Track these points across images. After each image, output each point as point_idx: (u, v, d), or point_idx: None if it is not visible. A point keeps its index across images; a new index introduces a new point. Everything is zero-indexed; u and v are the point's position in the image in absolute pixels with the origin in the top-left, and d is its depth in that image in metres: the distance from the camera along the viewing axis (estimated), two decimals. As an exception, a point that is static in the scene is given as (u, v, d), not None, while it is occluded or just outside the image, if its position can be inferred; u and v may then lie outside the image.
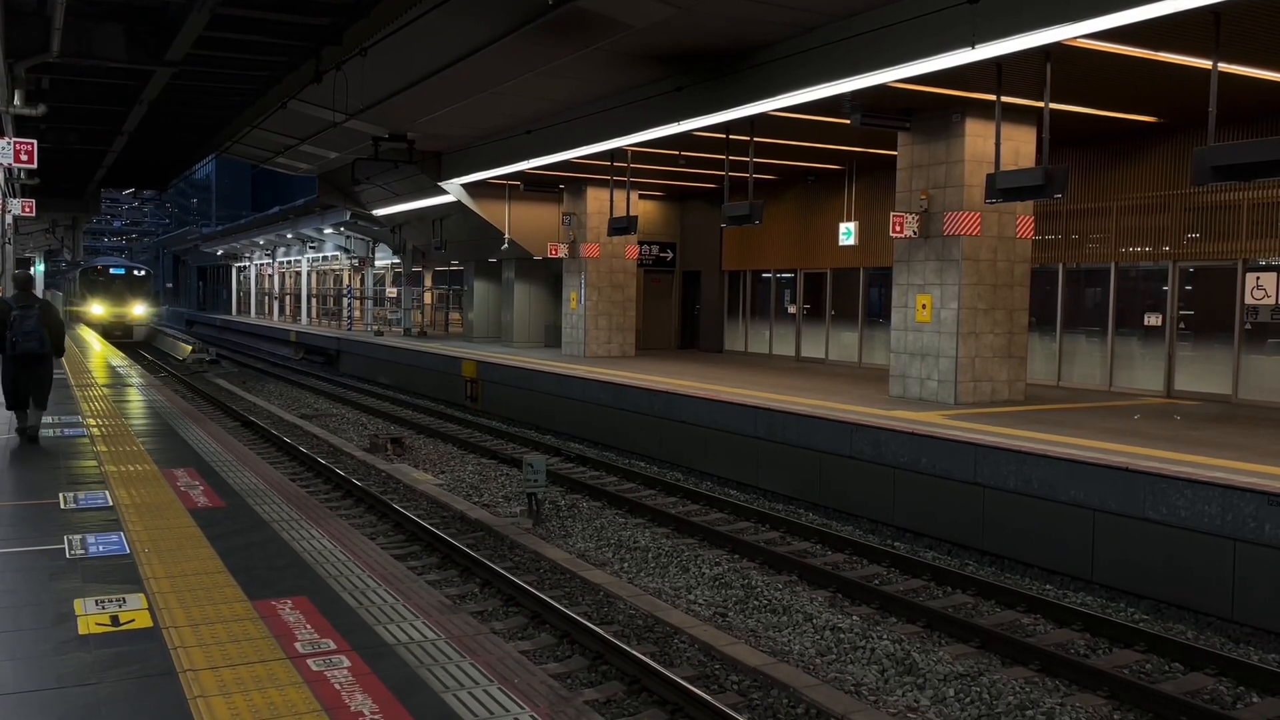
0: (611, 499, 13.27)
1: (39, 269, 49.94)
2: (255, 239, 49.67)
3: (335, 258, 43.34)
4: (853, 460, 12.26)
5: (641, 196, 25.30)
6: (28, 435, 9.92)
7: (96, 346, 28.79)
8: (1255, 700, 7.26)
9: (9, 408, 10.02)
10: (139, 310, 43.95)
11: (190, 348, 38.81)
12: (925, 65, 11.15)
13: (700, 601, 9.30)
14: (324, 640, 4.31)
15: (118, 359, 23.74)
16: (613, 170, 19.91)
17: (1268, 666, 7.59)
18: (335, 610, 4.71)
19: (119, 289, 43.44)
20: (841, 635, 8.35)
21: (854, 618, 8.85)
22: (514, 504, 13.18)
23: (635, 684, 7.16)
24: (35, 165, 14.24)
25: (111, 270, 44.55)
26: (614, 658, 7.51)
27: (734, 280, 25.81)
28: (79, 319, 43.76)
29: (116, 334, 41.30)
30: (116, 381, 15.74)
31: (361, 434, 19.21)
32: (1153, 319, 15.90)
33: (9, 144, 13.80)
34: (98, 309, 42.33)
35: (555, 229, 24.76)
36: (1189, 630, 8.62)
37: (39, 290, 43.72)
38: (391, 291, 40.39)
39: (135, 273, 45.32)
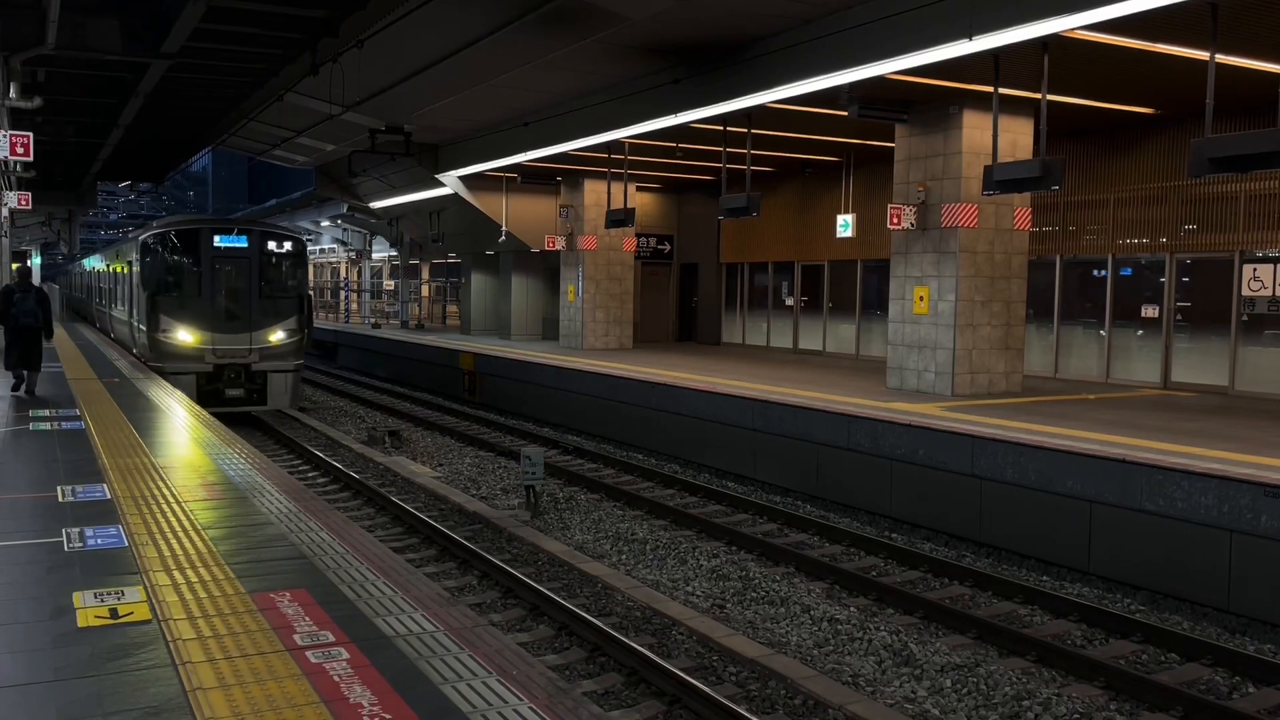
0: (609, 491, 13.28)
1: (35, 262, 49.81)
2: (252, 232, 49.45)
3: (332, 250, 43.31)
4: (850, 452, 12.27)
5: (639, 189, 25.27)
6: (28, 390, 12.63)
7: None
8: (1251, 690, 7.29)
9: (8, 368, 12.89)
10: (280, 334, 18.47)
11: None
12: (923, 57, 11.13)
13: (698, 593, 9.32)
14: (323, 632, 4.31)
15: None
16: (610, 162, 19.87)
17: (1264, 657, 7.62)
18: (334, 602, 4.71)
19: (233, 284, 18.37)
20: (839, 626, 8.37)
21: (851, 609, 8.87)
22: (512, 496, 13.19)
23: (633, 675, 7.18)
24: (31, 158, 14.20)
25: (218, 242, 18.24)
26: (612, 649, 7.52)
27: (731, 272, 25.79)
28: (131, 348, 20.45)
29: (232, 394, 18.04)
30: (113, 376, 15.73)
31: (359, 426, 19.21)
32: (1150, 311, 15.92)
33: (5, 137, 13.75)
34: (184, 334, 17.68)
35: (552, 221, 24.73)
36: (1185, 621, 8.64)
37: (38, 281, 43.88)
38: (389, 284, 40.36)
39: (273, 247, 18.87)
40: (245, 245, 18.14)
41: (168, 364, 17.18)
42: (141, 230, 19.96)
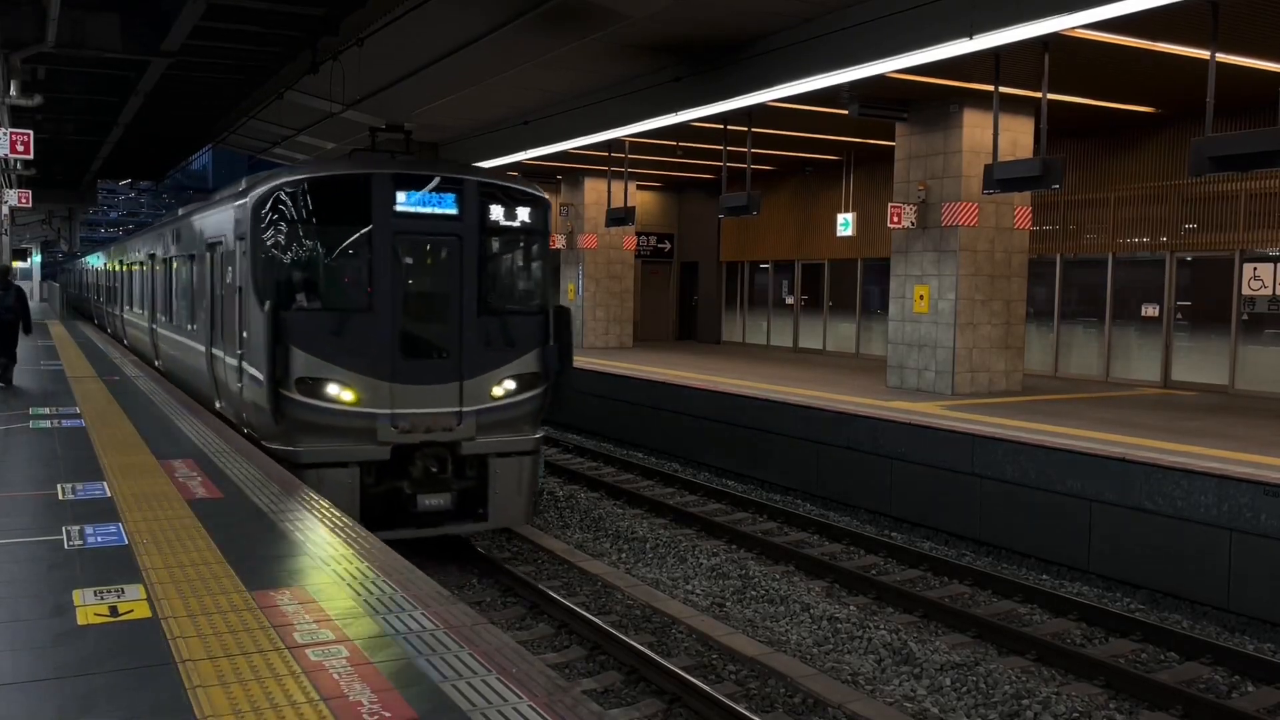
0: (609, 489, 13.28)
1: (35, 260, 49.80)
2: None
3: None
4: (850, 451, 12.27)
5: (639, 188, 25.26)
6: (4, 381, 13.00)
7: None
8: (1250, 689, 7.29)
9: None
10: (512, 383, 9.74)
11: None
12: (923, 55, 11.12)
13: (698, 592, 9.32)
14: (322, 630, 4.31)
15: None
16: (610, 161, 19.87)
17: (1263, 656, 7.63)
18: (334, 600, 4.71)
19: (429, 286, 9.83)
20: (839, 625, 8.37)
21: (851, 608, 8.87)
22: (512, 495, 13.17)
23: (633, 674, 7.18)
24: (31, 156, 14.23)
25: (402, 204, 9.28)
26: (612, 648, 7.52)
27: (731, 271, 25.79)
28: (215, 401, 11.33)
29: (430, 503, 9.27)
30: (113, 373, 15.73)
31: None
32: (1150, 309, 15.91)
33: (5, 135, 13.76)
34: (336, 387, 9.02)
35: (553, 220, 24.72)
36: (1185, 620, 8.65)
37: (38, 279, 44.24)
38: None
39: (499, 217, 9.81)
40: (454, 211, 9.50)
41: (304, 444, 8.96)
42: (247, 184, 10.04)
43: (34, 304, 45.86)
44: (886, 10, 11.29)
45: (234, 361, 10.01)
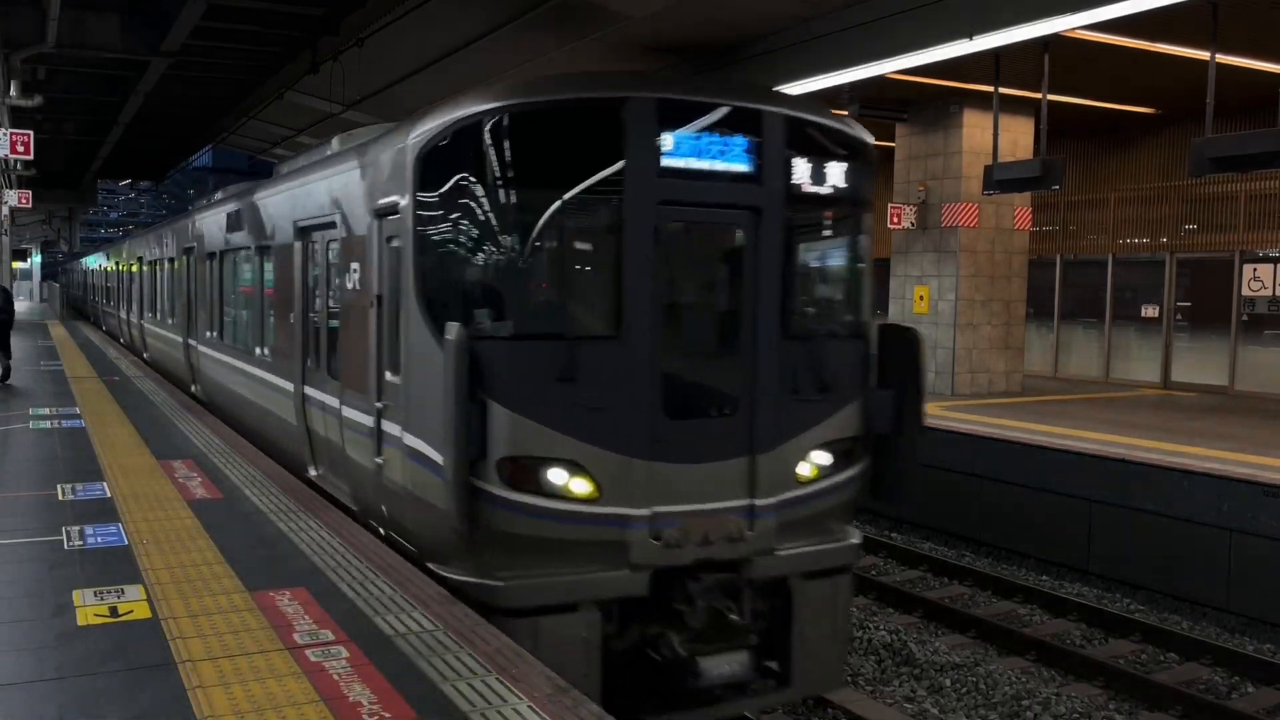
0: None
1: (35, 260, 49.81)
2: (253, 230, 49.04)
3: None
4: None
5: (639, 188, 25.21)
6: (2, 378, 13.25)
7: None
8: (1250, 690, 7.29)
9: None
10: (825, 455, 5.83)
11: None
12: (924, 56, 11.13)
13: (698, 592, 9.30)
14: (322, 631, 4.31)
15: None
16: (610, 161, 19.86)
17: (1263, 657, 7.62)
18: (334, 601, 4.71)
19: (708, 294, 5.83)
20: (838, 626, 8.36)
21: (851, 609, 8.87)
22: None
23: (633, 674, 7.12)
24: (31, 156, 14.24)
25: (668, 154, 5.18)
26: (612, 648, 7.47)
27: (732, 271, 25.77)
28: (310, 466, 7.71)
29: (716, 671, 5.27)
30: (114, 374, 15.74)
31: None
32: (1150, 310, 15.92)
33: (5, 135, 13.77)
34: (563, 473, 5.13)
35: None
36: (1185, 620, 8.64)
37: (38, 279, 44.52)
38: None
39: (807, 182, 5.62)
40: (748, 168, 5.49)
41: (508, 573, 5.16)
42: (404, 123, 5.87)
43: (36, 305, 45.88)
44: (886, 11, 11.29)
45: (362, 418, 6.35)
